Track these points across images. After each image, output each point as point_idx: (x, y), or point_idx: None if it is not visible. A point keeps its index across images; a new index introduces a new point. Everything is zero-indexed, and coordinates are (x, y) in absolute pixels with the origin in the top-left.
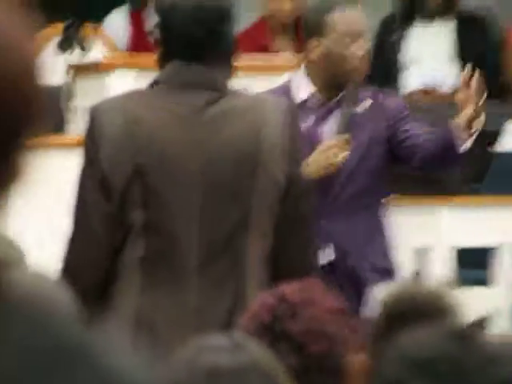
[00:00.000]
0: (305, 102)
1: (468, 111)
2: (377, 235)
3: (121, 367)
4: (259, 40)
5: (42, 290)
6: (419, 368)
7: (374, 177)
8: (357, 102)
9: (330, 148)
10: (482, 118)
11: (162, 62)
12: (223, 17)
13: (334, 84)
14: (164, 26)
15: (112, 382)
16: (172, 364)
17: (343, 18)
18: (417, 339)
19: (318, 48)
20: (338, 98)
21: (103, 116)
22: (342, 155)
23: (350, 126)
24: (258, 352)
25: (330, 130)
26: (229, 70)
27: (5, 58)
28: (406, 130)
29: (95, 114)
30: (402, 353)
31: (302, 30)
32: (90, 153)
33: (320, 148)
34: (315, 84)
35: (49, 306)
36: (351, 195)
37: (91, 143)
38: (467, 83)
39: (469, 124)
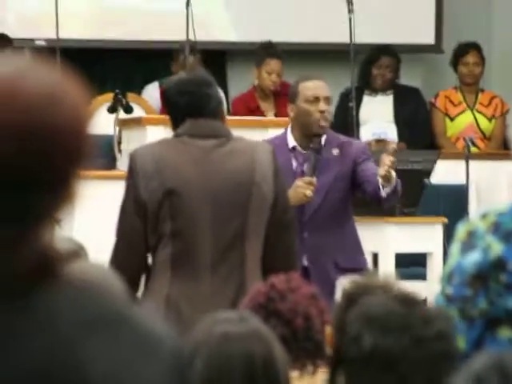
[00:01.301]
0: (294, 147)
1: (382, 171)
2: (346, 244)
3: (156, 330)
4: (251, 103)
5: (99, 275)
6: (372, 323)
7: (341, 203)
8: (321, 151)
9: (298, 187)
10: (393, 174)
11: (175, 124)
12: (208, 84)
13: (305, 135)
14: (169, 98)
15: (149, 340)
16: (193, 332)
17: (309, 86)
18: (371, 302)
19: (293, 109)
20: (311, 146)
21: (139, 157)
22: (307, 192)
23: (320, 168)
24: (258, 323)
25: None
26: (223, 120)
27: (70, 112)
28: (362, 170)
29: (133, 156)
30: (360, 313)
31: (280, 97)
32: (130, 184)
33: (292, 186)
34: (295, 136)
35: (100, 283)
36: (323, 216)
37: (131, 177)
38: (391, 153)
39: (384, 178)
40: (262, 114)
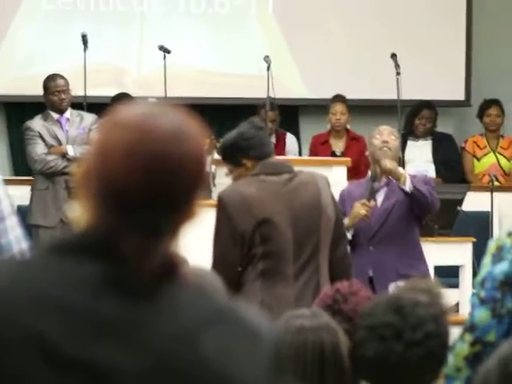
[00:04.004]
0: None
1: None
2: (408, 255)
3: (257, 322)
4: (322, 138)
5: (205, 277)
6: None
7: (402, 221)
8: (378, 180)
9: (355, 206)
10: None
11: (253, 164)
12: (263, 129)
13: (373, 161)
14: (244, 147)
15: (251, 329)
16: (275, 325)
17: (376, 133)
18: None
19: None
20: (370, 177)
21: (227, 197)
22: (361, 211)
23: (386, 195)
24: (327, 318)
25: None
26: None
27: (192, 146)
28: None
29: (223, 196)
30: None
31: (351, 141)
32: (222, 219)
33: (353, 207)
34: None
35: (209, 285)
36: (386, 233)
37: (223, 213)
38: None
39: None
40: (329, 146)
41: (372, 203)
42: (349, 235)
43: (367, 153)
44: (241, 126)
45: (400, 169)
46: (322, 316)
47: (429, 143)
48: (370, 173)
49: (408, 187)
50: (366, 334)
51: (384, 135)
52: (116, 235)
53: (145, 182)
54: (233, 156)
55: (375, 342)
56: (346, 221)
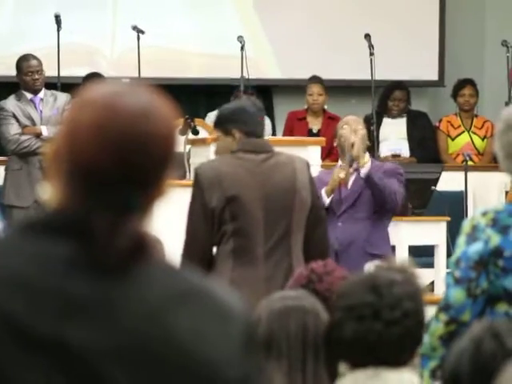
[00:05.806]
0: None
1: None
2: (373, 235)
3: (229, 301)
4: (300, 115)
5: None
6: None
7: (371, 202)
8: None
9: (334, 171)
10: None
11: (240, 138)
12: (263, 111)
13: (343, 152)
14: (240, 119)
15: (224, 310)
16: (258, 306)
17: (343, 124)
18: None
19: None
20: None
21: (202, 172)
22: (341, 174)
23: (358, 179)
24: (311, 300)
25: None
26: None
27: (161, 124)
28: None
29: (198, 171)
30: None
31: (328, 120)
32: (196, 193)
33: (334, 171)
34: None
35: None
36: (355, 211)
37: (197, 188)
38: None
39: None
40: (306, 124)
41: (348, 169)
42: (327, 201)
43: (335, 143)
44: (242, 100)
45: (366, 156)
46: (306, 297)
47: (403, 121)
48: (340, 162)
49: (363, 173)
50: (344, 314)
51: (352, 125)
52: (86, 214)
53: (113, 159)
54: (226, 123)
55: (353, 322)
56: (323, 190)
